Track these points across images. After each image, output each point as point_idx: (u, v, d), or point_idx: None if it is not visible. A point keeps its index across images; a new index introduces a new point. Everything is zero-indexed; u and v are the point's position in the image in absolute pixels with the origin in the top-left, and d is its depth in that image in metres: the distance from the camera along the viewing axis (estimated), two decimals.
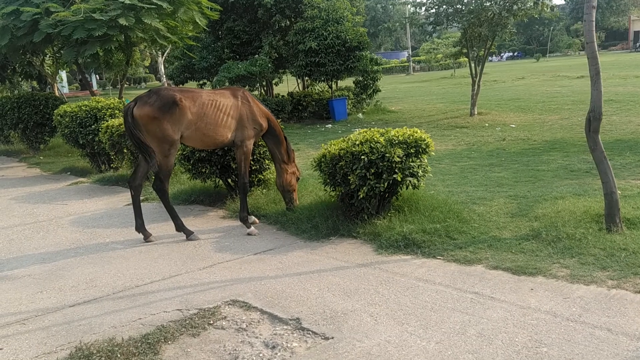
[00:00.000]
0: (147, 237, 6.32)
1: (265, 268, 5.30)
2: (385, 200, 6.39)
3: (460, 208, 6.43)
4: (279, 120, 7.11)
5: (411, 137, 6.13)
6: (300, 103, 19.70)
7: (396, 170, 5.93)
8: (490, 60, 57.56)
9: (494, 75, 35.65)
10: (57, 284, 5.17)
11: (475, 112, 17.01)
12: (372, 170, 5.90)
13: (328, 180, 6.31)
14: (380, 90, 21.01)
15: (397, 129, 6.40)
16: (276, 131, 6.80)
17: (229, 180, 7.69)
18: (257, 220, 6.86)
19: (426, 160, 6.36)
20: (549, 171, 8.88)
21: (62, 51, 11.87)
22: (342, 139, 6.42)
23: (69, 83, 53.37)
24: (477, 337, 3.72)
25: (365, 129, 6.50)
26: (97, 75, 50.93)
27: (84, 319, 4.38)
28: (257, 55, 19.06)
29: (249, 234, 6.39)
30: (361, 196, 5.97)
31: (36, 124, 13.82)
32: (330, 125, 17.81)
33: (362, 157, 5.89)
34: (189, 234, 6.32)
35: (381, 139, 6.03)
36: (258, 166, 7.55)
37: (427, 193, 6.94)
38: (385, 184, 5.93)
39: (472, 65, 17.34)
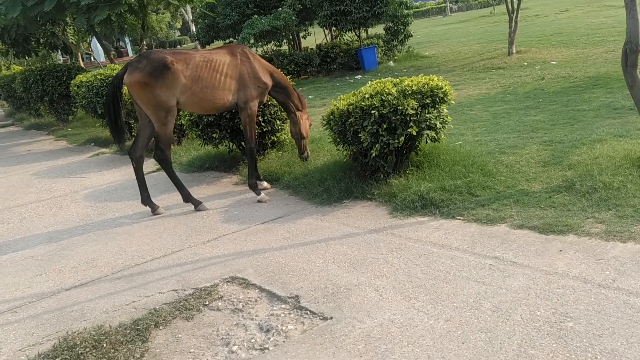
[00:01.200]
0: (154, 210, 6.07)
1: (271, 239, 4.96)
2: (403, 156, 5.90)
3: (485, 160, 5.88)
4: (289, 77, 6.66)
5: (426, 86, 5.56)
6: (328, 55, 19.01)
7: (411, 124, 5.42)
8: None
9: (535, 9, 33.61)
10: (57, 266, 4.98)
11: (514, 51, 15.96)
12: (385, 126, 5.41)
13: (338, 139, 5.85)
14: (411, 36, 20.01)
15: (412, 77, 5.84)
16: (284, 84, 6.37)
17: (242, 143, 7.32)
18: (269, 186, 6.50)
19: (446, 110, 5.80)
20: (590, 110, 8.12)
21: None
22: (352, 92, 5.92)
23: (107, 51, 53.80)
24: (492, 312, 3.28)
25: (377, 80, 5.97)
26: (131, 41, 50.97)
27: (77, 304, 4.16)
28: (280, 9, 18.35)
29: (259, 201, 6.04)
30: (374, 154, 5.50)
31: (61, 96, 13.73)
32: (359, 76, 17.11)
33: (373, 111, 5.39)
34: (197, 205, 6.03)
35: (393, 90, 5.50)
36: (270, 127, 7.13)
37: (450, 145, 6.39)
38: (400, 139, 5.43)
39: (508, 0, 16.19)
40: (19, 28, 14.31)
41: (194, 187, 7.01)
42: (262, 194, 6.08)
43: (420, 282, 3.77)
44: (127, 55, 47.24)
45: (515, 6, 15.94)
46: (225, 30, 20.01)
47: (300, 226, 5.18)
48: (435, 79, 5.76)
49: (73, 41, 16.71)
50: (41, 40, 16.69)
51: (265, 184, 6.49)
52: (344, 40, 20.00)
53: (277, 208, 5.81)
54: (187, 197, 6.04)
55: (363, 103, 5.49)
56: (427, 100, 5.51)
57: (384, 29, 19.74)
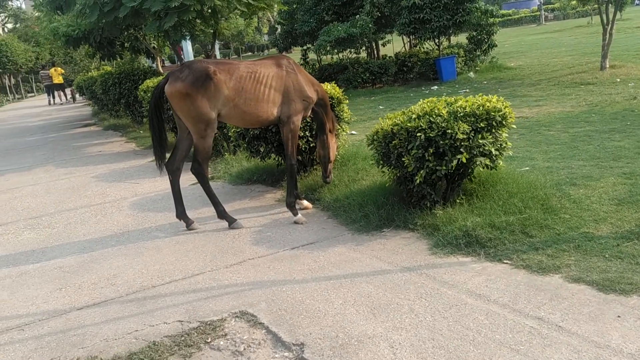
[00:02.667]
0: (189, 225, 5.86)
1: (295, 268, 4.57)
2: (455, 183, 5.33)
3: (549, 193, 5.19)
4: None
5: (481, 108, 4.98)
6: (405, 64, 18.43)
7: (461, 150, 4.86)
8: (637, 4, 50.82)
9: (637, 21, 31.20)
10: (79, 280, 4.85)
11: (607, 65, 14.69)
12: (431, 150, 4.88)
13: (382, 162, 5.38)
14: (496, 45, 19.02)
15: (469, 97, 5.27)
16: (325, 101, 6.00)
17: None
18: (309, 206, 6.13)
19: (505, 135, 5.18)
20: None
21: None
22: (401, 111, 5.43)
23: (198, 53, 55.59)
24: None
25: (429, 99, 5.45)
26: (219, 45, 52.44)
27: (81, 327, 3.97)
28: (358, 16, 17.99)
29: (295, 222, 5.68)
30: (418, 181, 4.99)
31: (136, 99, 14.05)
32: (436, 87, 16.40)
33: (419, 134, 4.88)
34: (231, 222, 5.75)
35: (443, 111, 4.96)
36: (317, 142, 6.74)
37: (514, 172, 5.74)
38: (450, 165, 4.89)
39: (602, 10, 14.94)
40: (103, 32, 14.80)
41: (237, 201, 6.78)
42: (299, 215, 5.72)
43: (444, 341, 3.25)
44: (215, 57, 48.59)
45: (611, 17, 14.67)
46: (303, 36, 19.93)
47: (329, 256, 4.76)
48: (495, 99, 5.16)
49: (155, 45, 17.16)
50: (125, 44, 17.26)
51: (305, 203, 6.12)
52: (423, 49, 19.33)
53: (312, 232, 5.41)
54: (221, 214, 5.78)
55: (409, 124, 5.00)
56: (482, 124, 4.92)
57: (467, 37, 18.89)
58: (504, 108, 5.08)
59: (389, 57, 19.68)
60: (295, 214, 5.72)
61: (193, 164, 5.68)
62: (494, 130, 5.01)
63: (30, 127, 19.01)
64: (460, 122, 4.86)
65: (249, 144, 6.88)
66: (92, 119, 19.31)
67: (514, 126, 5.34)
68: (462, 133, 4.80)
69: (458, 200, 5.28)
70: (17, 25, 44.95)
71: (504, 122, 5.06)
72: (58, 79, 29.85)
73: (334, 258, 4.71)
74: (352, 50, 19.37)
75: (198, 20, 11.69)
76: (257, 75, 5.54)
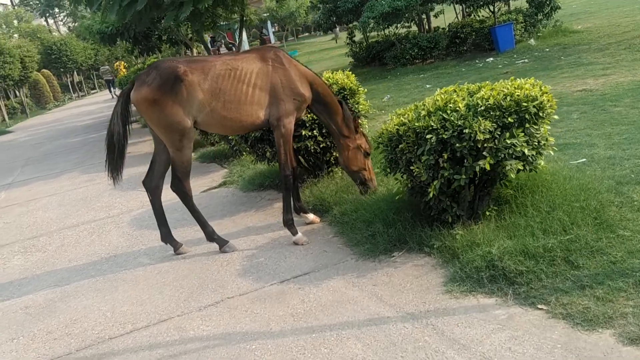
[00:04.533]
0: (176, 249, 5.11)
1: (277, 313, 3.70)
2: (484, 191, 4.28)
3: (606, 200, 4.05)
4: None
5: (509, 99, 3.87)
6: (457, 35, 16.93)
7: (484, 153, 3.80)
8: None
9: None
10: (37, 327, 4.20)
11: None
12: (446, 155, 3.86)
13: (389, 169, 4.39)
14: (559, 7, 17.14)
15: (495, 84, 4.18)
16: (326, 97, 5.00)
17: (301, 159, 6.11)
18: (316, 220, 5.24)
19: (545, 128, 4.06)
20: None
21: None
22: (413, 105, 4.39)
23: (254, 38, 55.09)
24: None
25: (445, 88, 4.39)
26: (273, 28, 51.83)
27: None
28: None
29: (295, 243, 4.81)
30: (432, 194, 3.98)
31: None
32: (491, 59, 14.92)
33: (429, 136, 3.86)
34: (222, 245, 4.95)
35: (460, 105, 3.91)
36: (328, 142, 5.81)
37: (560, 171, 4.60)
38: (470, 173, 3.85)
39: None
40: (136, 26, 14.34)
41: (242, 212, 5.98)
42: (299, 234, 4.83)
43: None
44: (270, 42, 48.04)
45: None
46: (346, 14, 18.76)
47: (322, 294, 3.86)
48: (528, 84, 4.03)
49: (192, 36, 16.59)
50: (162, 37, 16.79)
51: (311, 217, 5.23)
52: (477, 17, 17.73)
53: (310, 256, 4.52)
54: (210, 236, 4.99)
55: (417, 123, 3.97)
56: (510, 119, 3.83)
57: (527, 1, 17.15)
58: (541, 95, 3.95)
59: (442, 29, 18.23)
60: (294, 233, 4.85)
61: (172, 180, 4.91)
62: (528, 126, 3.89)
63: (78, 127, 19.05)
64: (481, 118, 3.78)
65: (252, 147, 6.04)
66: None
67: (556, 117, 4.18)
68: (483, 132, 3.73)
69: (488, 212, 4.23)
70: (75, 24, 46.15)
71: (541, 114, 3.93)
72: (123, 73, 30.26)
73: (326, 297, 3.80)
74: (401, 25, 18.05)
75: (220, 8, 10.90)
76: (237, 73, 4.66)
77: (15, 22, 42.93)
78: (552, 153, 4.24)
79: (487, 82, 4.33)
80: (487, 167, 3.77)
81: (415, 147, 4.02)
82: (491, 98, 3.88)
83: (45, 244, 6.27)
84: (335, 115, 5.02)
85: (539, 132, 3.98)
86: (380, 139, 4.34)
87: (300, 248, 4.72)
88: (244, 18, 12.24)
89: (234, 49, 44.85)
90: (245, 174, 7.28)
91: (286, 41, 45.44)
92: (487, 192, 4.31)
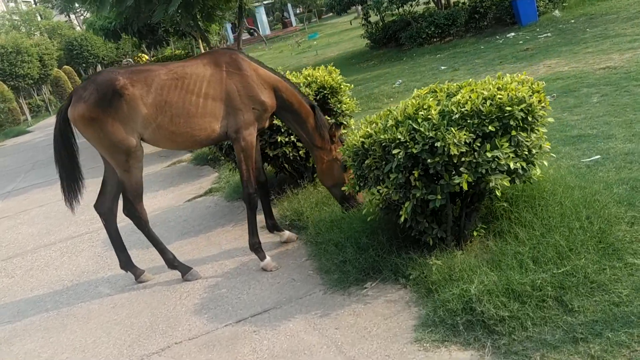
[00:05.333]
0: (137, 277, 4.64)
1: None
2: (470, 207, 3.66)
3: (613, 216, 3.39)
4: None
5: (489, 103, 3.23)
6: (477, 10, 15.95)
7: (461, 169, 3.18)
8: None
9: None
10: None
11: None
12: (417, 173, 3.25)
13: (358, 186, 3.80)
14: None
15: (476, 84, 3.54)
16: (293, 104, 4.41)
17: (285, 165, 5.56)
18: (293, 238, 4.70)
19: (540, 133, 3.41)
20: None
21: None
22: (385, 110, 3.78)
23: (277, 21, 54.29)
24: None
25: (422, 90, 3.76)
26: (295, 11, 51.04)
27: None
28: None
29: (263, 269, 4.28)
30: (403, 217, 3.39)
31: None
32: (512, 34, 13.98)
33: (396, 150, 3.26)
34: (184, 272, 4.46)
35: (433, 112, 3.28)
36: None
37: (562, 179, 3.94)
38: (447, 192, 3.24)
39: None
40: (139, 21, 13.92)
41: (218, 227, 5.49)
42: (267, 260, 4.30)
43: None
44: (292, 25, 47.23)
45: None
46: None
47: (278, 340, 3.33)
48: (514, 84, 3.37)
49: (203, 27, 16.06)
50: (169, 29, 16.31)
51: (287, 234, 4.69)
52: None
53: (276, 287, 3.99)
54: (171, 264, 4.50)
55: (383, 136, 3.37)
56: (491, 127, 3.18)
57: None
58: (531, 96, 3.29)
59: (462, 3, 17.25)
60: (261, 258, 4.31)
61: (124, 203, 4.42)
62: (514, 133, 3.25)
63: None
64: (455, 128, 3.15)
65: (227, 155, 5.51)
66: None
67: (551, 119, 3.51)
68: (458, 145, 3.10)
69: (476, 232, 3.62)
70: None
71: (530, 119, 3.27)
72: None
73: (280, 345, 3.27)
74: (416, 2, 17.14)
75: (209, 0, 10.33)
76: (185, 82, 4.11)
77: (39, 17, 43.20)
78: (546, 164, 3.57)
79: (471, 80, 3.68)
80: (464, 186, 3.15)
81: (383, 162, 3.42)
82: (468, 103, 3.24)
83: (16, 267, 5.90)
84: (306, 124, 4.43)
85: (529, 139, 3.33)
86: (346, 152, 3.74)
87: (267, 275, 4.19)
88: (243, 7, 11.63)
89: (255, 35, 44.20)
90: (232, 180, 6.77)
91: (309, 23, 44.47)
92: (475, 208, 3.69)
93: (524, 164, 3.31)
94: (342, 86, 5.40)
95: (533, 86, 3.41)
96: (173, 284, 4.46)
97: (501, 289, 2.94)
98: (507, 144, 3.20)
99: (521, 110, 3.21)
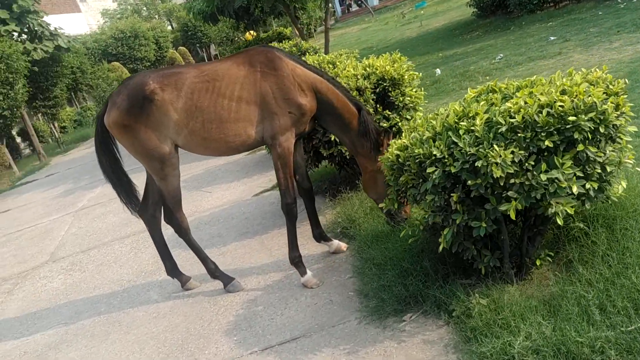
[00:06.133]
0: (183, 284, 4.50)
1: None
2: (533, 230, 3.05)
3: None
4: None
5: (545, 112, 2.59)
6: None
7: (509, 193, 2.61)
8: None
9: None
10: None
11: None
12: (455, 197, 2.72)
13: (395, 204, 3.31)
14: None
15: (535, 86, 2.91)
16: (336, 106, 3.93)
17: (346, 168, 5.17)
18: (342, 247, 4.31)
19: (623, 142, 2.73)
20: None
21: None
22: (433, 113, 3.24)
23: None
24: None
25: (477, 89, 3.18)
26: None
27: None
28: None
29: (303, 285, 3.95)
30: (441, 247, 2.88)
31: None
32: None
33: (431, 169, 2.74)
34: (226, 283, 4.24)
35: (478, 122, 2.71)
36: None
37: None
38: (491, 219, 2.70)
39: None
40: (229, 4, 13.98)
41: (275, 229, 5.24)
42: (308, 276, 3.95)
43: None
44: None
45: None
46: None
47: None
48: (584, 85, 2.70)
49: (296, 5, 15.82)
50: (265, 10, 16.23)
51: (335, 244, 4.31)
52: None
53: (312, 309, 3.64)
54: (213, 274, 4.30)
55: (417, 150, 2.85)
56: (548, 143, 2.56)
57: None
58: (606, 101, 2.60)
59: None
60: (302, 273, 3.97)
61: (165, 213, 4.27)
62: (581, 149, 2.59)
63: None
64: (498, 145, 2.57)
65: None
66: None
67: (634, 128, 2.79)
68: (503, 166, 2.53)
69: (539, 261, 3.03)
70: None
71: (602, 130, 2.59)
72: None
73: None
74: None
75: None
76: (216, 85, 3.81)
77: (159, 1, 45.38)
78: (624, 185, 2.86)
79: (531, 79, 3.02)
80: (512, 214, 2.58)
81: (420, 180, 2.91)
82: (520, 112, 2.63)
83: (90, 260, 6.06)
84: (348, 128, 3.97)
85: (601, 154, 2.65)
86: (384, 164, 3.26)
87: (307, 293, 3.85)
88: None
89: (363, 6, 43.23)
90: None
91: None
92: (539, 231, 3.07)
93: (595, 185, 2.65)
94: (405, 76, 4.84)
95: (611, 86, 2.71)
96: (214, 295, 4.26)
97: (552, 349, 2.36)
98: (569, 162, 2.56)
99: (590, 119, 2.55)
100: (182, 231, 4.23)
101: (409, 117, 4.88)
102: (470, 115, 2.81)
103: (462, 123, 2.77)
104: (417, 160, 2.86)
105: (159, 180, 4.03)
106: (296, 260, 3.99)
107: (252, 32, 29.72)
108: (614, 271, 2.66)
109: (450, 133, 2.77)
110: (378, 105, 4.81)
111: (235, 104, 3.80)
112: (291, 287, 4.02)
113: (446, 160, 2.72)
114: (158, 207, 4.36)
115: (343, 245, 4.33)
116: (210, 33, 39.06)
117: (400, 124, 4.80)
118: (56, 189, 11.44)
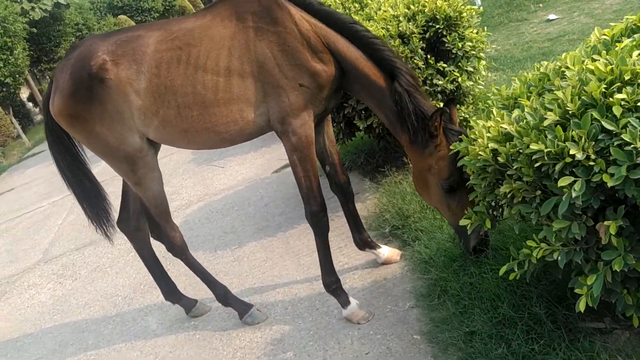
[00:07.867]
0: (188, 310, 3.45)
1: None
2: None
3: None
4: None
5: None
6: None
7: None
8: None
9: None
10: None
11: None
12: (613, 226, 1.54)
13: (489, 223, 2.13)
14: None
15: None
16: (367, 74, 2.65)
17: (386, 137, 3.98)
18: (396, 257, 3.19)
19: None
20: None
21: None
22: (524, 76, 2.01)
23: None
24: None
25: (613, 26, 1.93)
26: None
27: None
28: None
29: (347, 319, 2.85)
30: (582, 306, 1.72)
31: None
32: None
33: (567, 180, 1.56)
34: (242, 313, 3.16)
35: (568, 104, 1.48)
36: None
37: None
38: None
39: None
40: None
41: (301, 223, 4.12)
42: (352, 306, 2.84)
43: None
44: None
45: None
46: None
47: None
48: None
49: None
50: None
51: (384, 253, 3.18)
52: None
53: None
54: (223, 300, 3.22)
55: (534, 145, 1.66)
56: None
57: None
58: None
59: None
60: (343, 304, 2.86)
61: (150, 225, 3.18)
62: None
63: None
64: None
65: None
66: None
67: None
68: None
69: None
70: None
71: None
72: None
73: None
74: None
75: None
76: (192, 53, 2.59)
77: None
78: None
79: None
80: None
81: (538, 193, 1.73)
82: None
83: (83, 264, 5.10)
84: (383, 103, 2.69)
85: None
86: (469, 164, 2.06)
87: (353, 332, 2.77)
88: None
89: None
90: None
91: None
92: None
93: None
94: (464, 13, 3.55)
95: None
96: (228, 330, 3.21)
97: None
98: None
99: None
100: (177, 250, 3.15)
101: (470, 68, 3.62)
102: (627, 79, 1.59)
103: (617, 95, 1.56)
104: (534, 160, 1.67)
105: (133, 186, 2.94)
106: (333, 286, 2.87)
107: None
108: None
109: (595, 113, 1.57)
110: (429, 56, 3.55)
111: (224, 80, 2.59)
112: (329, 324, 2.93)
113: (594, 164, 1.53)
114: (143, 217, 3.25)
115: (396, 253, 3.19)
116: None
117: (460, 78, 3.55)
118: None
